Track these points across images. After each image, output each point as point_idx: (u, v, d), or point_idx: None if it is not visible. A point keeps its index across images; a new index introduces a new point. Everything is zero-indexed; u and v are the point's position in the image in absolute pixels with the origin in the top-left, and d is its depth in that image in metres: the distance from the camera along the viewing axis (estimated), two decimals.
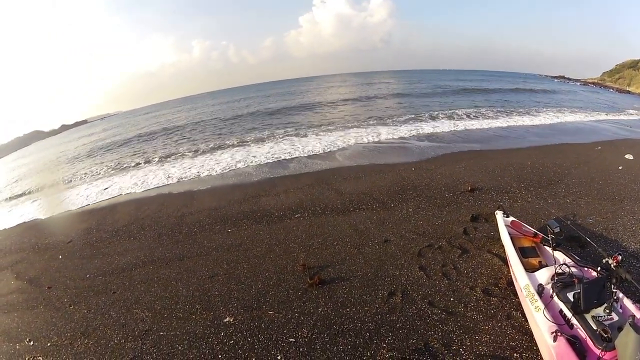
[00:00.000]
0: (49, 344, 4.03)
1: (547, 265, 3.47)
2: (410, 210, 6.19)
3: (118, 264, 5.45)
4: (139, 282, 4.88)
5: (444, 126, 15.27)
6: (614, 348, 2.29)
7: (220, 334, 3.69)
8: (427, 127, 15.15)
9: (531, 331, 3.17)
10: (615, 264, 2.65)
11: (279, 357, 3.30)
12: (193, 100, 72.01)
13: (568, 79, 69.75)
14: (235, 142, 15.15)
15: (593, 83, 57.66)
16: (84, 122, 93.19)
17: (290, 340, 3.48)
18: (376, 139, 13.21)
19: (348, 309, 3.79)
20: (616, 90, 43.98)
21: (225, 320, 3.90)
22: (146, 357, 3.56)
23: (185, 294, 4.43)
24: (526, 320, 3.32)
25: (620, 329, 2.36)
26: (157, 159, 13.81)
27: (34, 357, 3.88)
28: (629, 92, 42.84)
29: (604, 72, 63.24)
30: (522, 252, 3.81)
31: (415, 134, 13.94)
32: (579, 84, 57.88)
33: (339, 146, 12.44)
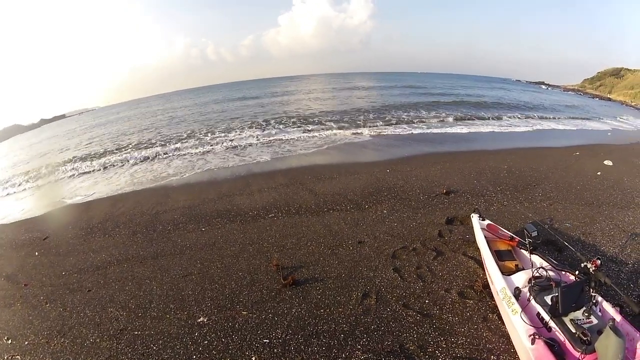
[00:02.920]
0: (26, 343, 4.08)
1: (523, 269, 3.49)
2: (385, 211, 6.26)
3: (93, 262, 5.50)
4: (114, 280, 4.92)
5: (421, 129, 15.76)
6: (594, 351, 2.32)
7: (194, 334, 3.73)
8: (408, 129, 15.63)
9: (508, 334, 3.21)
10: (594, 268, 2.67)
11: (253, 358, 3.33)
12: (170, 98, 69.84)
13: (548, 85, 71.08)
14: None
15: (573, 90, 58.95)
16: (63, 116, 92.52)
17: (265, 341, 3.51)
18: (352, 140, 13.56)
19: (322, 310, 3.82)
20: (596, 98, 45.84)
21: (199, 320, 3.94)
22: (121, 357, 3.60)
23: (159, 293, 4.47)
24: (503, 322, 3.35)
25: (600, 332, 2.40)
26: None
27: (12, 356, 3.94)
28: (609, 99, 44.39)
29: (584, 79, 64.76)
30: (499, 255, 3.82)
31: (392, 134, 14.40)
32: (559, 90, 59.30)
33: (313, 146, 12.73)
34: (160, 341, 3.70)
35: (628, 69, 55.90)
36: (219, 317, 3.90)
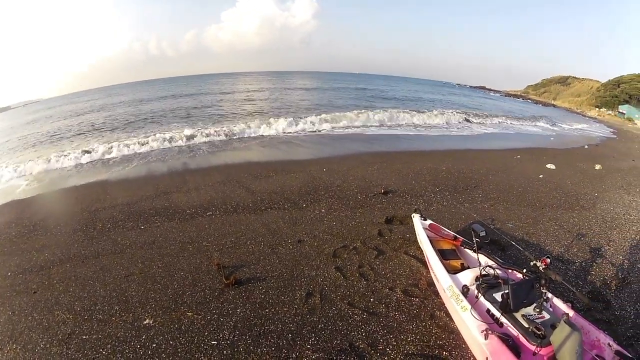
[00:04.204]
0: None
1: (469, 267, 3.46)
2: (323, 211, 6.19)
3: (37, 262, 5.24)
4: (57, 281, 4.71)
5: (358, 129, 15.88)
6: (549, 344, 2.37)
7: (141, 337, 3.62)
8: (344, 128, 15.81)
9: (458, 330, 3.18)
10: (544, 266, 2.69)
11: None
12: (111, 92, 65.07)
13: (489, 89, 73.03)
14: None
15: (515, 95, 60.92)
16: (8, 107, 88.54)
17: (213, 342, 3.41)
18: (288, 138, 13.51)
19: (267, 310, 3.70)
20: (539, 104, 47.89)
21: (145, 322, 3.80)
22: None
23: (103, 294, 4.29)
24: (451, 319, 3.32)
25: (553, 326, 2.47)
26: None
27: None
28: (554, 105, 46.81)
29: (528, 85, 67.60)
30: (443, 255, 3.75)
31: (329, 133, 14.52)
32: (499, 94, 61.08)
33: (249, 143, 12.67)
34: (109, 345, 3.57)
35: (575, 77, 57.62)
36: (165, 319, 3.75)
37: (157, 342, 3.49)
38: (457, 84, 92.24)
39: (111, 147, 12.52)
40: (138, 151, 12.31)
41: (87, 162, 11.66)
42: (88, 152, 12.41)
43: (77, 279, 4.66)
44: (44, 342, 3.78)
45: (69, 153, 12.39)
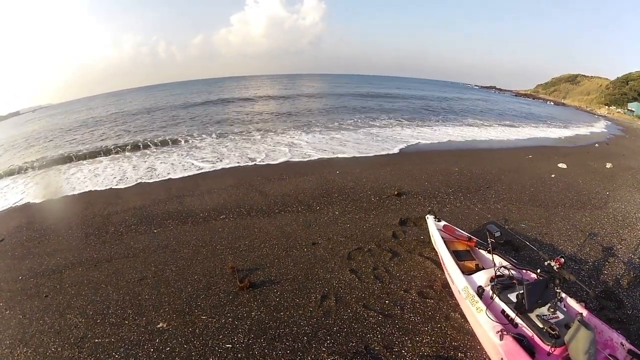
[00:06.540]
0: None
1: (483, 268, 3.51)
2: (337, 213, 6.27)
3: (48, 265, 5.32)
4: (70, 285, 4.78)
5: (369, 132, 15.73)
6: (563, 344, 2.40)
7: (155, 341, 3.67)
8: (356, 131, 15.79)
9: (473, 331, 3.23)
10: (558, 266, 2.73)
11: None
12: (120, 97, 65.28)
13: (499, 89, 75.31)
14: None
15: (525, 94, 62.21)
16: (17, 113, 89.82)
17: (227, 346, 3.46)
18: (298, 141, 13.59)
19: (282, 313, 3.76)
20: (550, 102, 48.58)
21: (159, 325, 3.86)
22: None
23: (116, 298, 4.35)
24: (466, 320, 3.38)
25: (567, 326, 2.49)
26: None
27: None
28: (564, 104, 47.46)
29: (538, 84, 69.75)
30: (457, 256, 3.81)
31: (340, 136, 14.61)
32: (511, 94, 62.55)
33: (261, 147, 12.79)
34: (122, 349, 3.63)
35: (585, 76, 58.38)
36: (179, 323, 3.82)
37: (171, 346, 3.55)
38: (468, 84, 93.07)
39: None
40: None
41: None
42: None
43: (90, 282, 4.73)
44: (55, 346, 3.84)
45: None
